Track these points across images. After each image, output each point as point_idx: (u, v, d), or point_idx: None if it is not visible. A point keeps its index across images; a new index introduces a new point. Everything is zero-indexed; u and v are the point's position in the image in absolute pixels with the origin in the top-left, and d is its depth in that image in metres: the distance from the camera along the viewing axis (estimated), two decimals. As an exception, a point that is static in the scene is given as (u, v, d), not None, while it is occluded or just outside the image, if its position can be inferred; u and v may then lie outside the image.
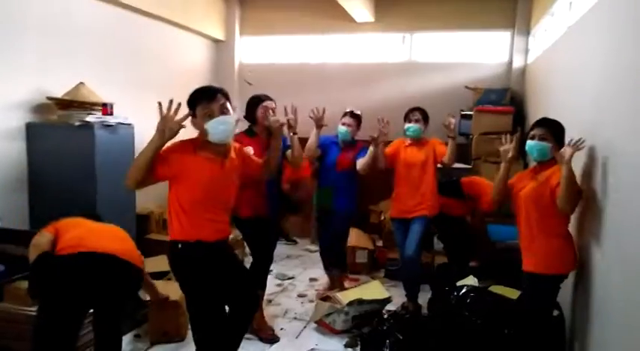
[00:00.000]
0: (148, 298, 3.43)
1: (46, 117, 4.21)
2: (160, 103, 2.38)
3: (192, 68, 6.69)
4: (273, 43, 7.37)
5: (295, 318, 4.12)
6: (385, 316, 3.48)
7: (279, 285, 4.86)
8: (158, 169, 2.44)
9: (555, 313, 2.95)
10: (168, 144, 2.47)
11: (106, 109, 4.21)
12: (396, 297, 4.23)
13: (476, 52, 6.59)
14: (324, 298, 4.00)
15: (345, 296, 3.89)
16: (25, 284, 3.30)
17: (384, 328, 3.09)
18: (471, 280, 3.54)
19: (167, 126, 2.36)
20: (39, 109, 4.18)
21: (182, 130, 2.44)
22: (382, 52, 6.93)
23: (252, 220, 3.58)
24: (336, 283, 4.41)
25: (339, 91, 6.88)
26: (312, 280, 5.01)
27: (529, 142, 2.82)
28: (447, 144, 3.93)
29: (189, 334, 3.50)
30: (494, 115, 5.63)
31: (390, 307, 4.05)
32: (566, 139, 2.69)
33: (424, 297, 4.17)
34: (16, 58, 3.98)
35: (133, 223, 4.55)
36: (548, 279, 2.71)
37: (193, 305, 2.64)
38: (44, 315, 2.63)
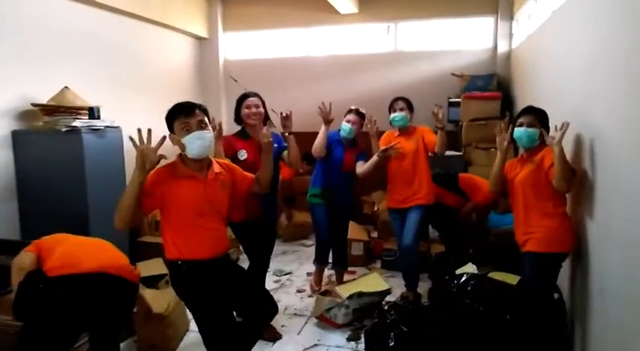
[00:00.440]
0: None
1: (31, 124, 4.15)
2: (131, 138, 2.31)
3: (176, 67, 6.62)
4: (257, 38, 7.33)
5: (295, 314, 4.11)
6: (385, 308, 3.48)
7: (277, 281, 4.84)
8: (145, 204, 2.39)
9: (555, 296, 2.97)
10: (154, 172, 2.43)
11: (93, 113, 4.16)
12: (395, 287, 4.23)
13: (460, 39, 6.61)
14: (324, 293, 3.99)
15: (345, 290, 3.88)
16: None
17: (388, 320, 3.08)
18: (470, 268, 3.55)
19: (147, 160, 2.29)
20: (24, 116, 4.12)
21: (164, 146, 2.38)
22: (367, 43, 6.93)
23: (245, 224, 3.49)
24: (322, 278, 4.46)
25: (326, 83, 6.88)
26: (309, 274, 4.98)
27: (518, 130, 2.90)
28: (436, 132, 3.92)
29: (182, 346, 3.52)
30: (482, 101, 5.66)
31: (389, 297, 4.06)
32: (554, 123, 2.75)
33: (423, 286, 4.19)
34: (-3, 64, 3.91)
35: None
36: (551, 257, 2.76)
37: (201, 321, 2.60)
38: (32, 337, 2.54)
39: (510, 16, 6.23)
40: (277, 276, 4.99)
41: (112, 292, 2.64)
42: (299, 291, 4.61)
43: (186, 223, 2.49)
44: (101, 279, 2.58)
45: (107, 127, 4.23)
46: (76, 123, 3.98)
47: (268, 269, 3.79)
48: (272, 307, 2.90)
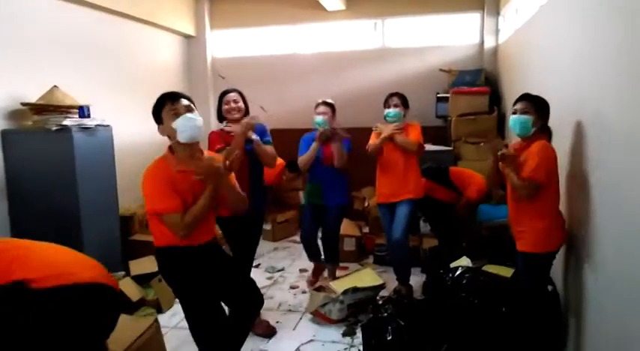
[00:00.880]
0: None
1: (21, 123, 4.10)
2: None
3: (165, 65, 6.58)
4: (244, 35, 7.30)
5: (290, 310, 4.12)
6: (380, 302, 3.51)
7: (269, 278, 4.85)
8: (180, 202, 2.43)
9: (549, 288, 3.01)
10: (153, 174, 2.45)
11: (83, 111, 4.12)
12: (388, 282, 4.26)
13: (447, 35, 6.65)
14: (318, 289, 4.01)
15: (339, 285, 3.90)
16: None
17: (384, 314, 3.10)
18: (465, 261, 3.59)
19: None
20: (13, 115, 4.07)
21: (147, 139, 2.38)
22: (355, 40, 6.94)
23: (232, 219, 3.40)
24: (322, 272, 4.47)
25: (314, 80, 6.89)
26: (302, 270, 5.01)
27: (512, 118, 2.80)
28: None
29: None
30: (470, 96, 5.70)
31: (382, 292, 4.09)
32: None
33: (415, 280, 4.23)
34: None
35: (116, 225, 4.49)
36: (541, 257, 2.74)
37: (188, 309, 2.62)
38: None
39: (497, 12, 6.29)
40: (270, 273, 4.99)
41: (110, 303, 2.36)
42: (292, 287, 4.63)
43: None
44: (99, 290, 2.25)
45: (97, 125, 4.19)
46: (66, 122, 3.94)
47: (260, 265, 3.79)
48: (258, 298, 2.87)
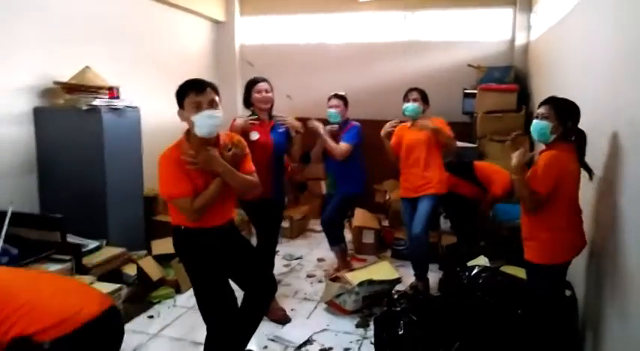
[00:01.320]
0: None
1: (53, 101, 4.20)
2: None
3: (193, 50, 6.63)
4: (273, 23, 7.29)
5: (305, 298, 4.18)
6: (395, 297, 3.53)
7: (286, 265, 4.91)
8: (191, 187, 2.47)
9: (568, 293, 2.98)
10: (167, 159, 2.49)
11: (113, 92, 4.20)
12: (405, 277, 4.27)
13: (478, 30, 6.53)
14: (334, 279, 4.03)
15: (355, 277, 3.93)
16: (37, 267, 3.34)
17: (398, 308, 3.12)
18: (483, 260, 3.58)
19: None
20: (46, 93, 4.17)
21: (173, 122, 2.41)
22: (383, 32, 6.87)
23: (257, 203, 3.54)
24: (342, 262, 4.48)
25: (341, 70, 6.86)
26: (319, 260, 5.06)
27: (533, 122, 2.66)
28: (450, 125, 3.93)
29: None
30: (498, 93, 5.62)
31: (398, 287, 4.11)
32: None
33: (433, 277, 4.23)
34: (21, 43, 3.95)
35: (140, 205, 4.59)
36: (543, 268, 2.65)
37: (197, 288, 2.67)
38: None
39: (529, 8, 6.16)
40: (287, 260, 5.05)
41: (118, 325, 2.27)
42: (309, 276, 4.68)
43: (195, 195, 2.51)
44: (108, 318, 2.12)
45: (126, 106, 4.27)
46: (96, 102, 4.02)
47: (278, 252, 3.87)
48: (271, 284, 2.90)
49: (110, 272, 3.78)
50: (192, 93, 2.44)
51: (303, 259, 5.12)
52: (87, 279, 3.45)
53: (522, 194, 2.57)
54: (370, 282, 3.84)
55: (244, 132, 3.42)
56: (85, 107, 3.97)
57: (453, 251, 4.43)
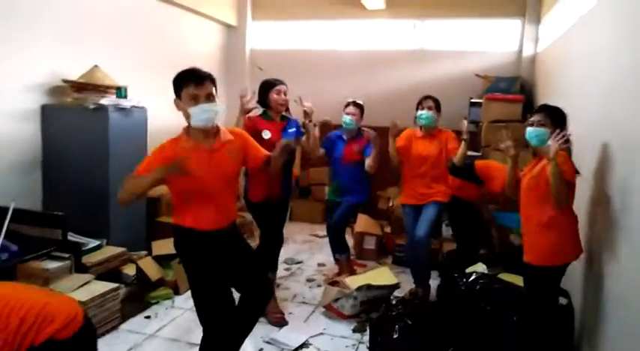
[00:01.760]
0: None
1: (60, 99, 4.25)
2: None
3: (204, 53, 6.71)
4: (283, 28, 7.36)
5: (304, 302, 4.18)
6: (393, 302, 3.53)
7: (287, 269, 4.91)
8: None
9: (564, 301, 2.97)
10: (158, 146, 2.51)
11: (120, 92, 4.25)
12: (404, 283, 4.26)
13: (486, 40, 6.57)
14: (333, 283, 4.05)
15: (354, 281, 3.92)
16: (36, 264, 3.36)
17: (393, 313, 3.12)
18: (480, 267, 3.58)
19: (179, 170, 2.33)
20: (54, 91, 4.22)
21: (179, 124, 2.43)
22: (392, 40, 6.92)
23: (263, 204, 3.64)
24: (344, 270, 4.47)
25: (349, 77, 6.91)
26: (320, 265, 5.06)
27: (528, 129, 2.76)
28: (459, 139, 3.93)
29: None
30: (504, 103, 5.63)
31: (397, 293, 4.10)
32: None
33: (433, 284, 4.20)
34: (31, 41, 4.01)
35: (143, 206, 4.61)
36: (544, 270, 2.69)
37: (196, 290, 2.66)
38: None
39: (537, 19, 6.17)
40: (288, 264, 5.05)
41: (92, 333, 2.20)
42: (309, 280, 4.68)
43: (191, 195, 2.50)
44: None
45: (133, 107, 4.32)
46: (104, 101, 4.07)
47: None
48: (266, 290, 2.88)
49: (109, 271, 3.81)
50: (191, 85, 2.43)
51: (303, 264, 5.13)
52: (86, 277, 3.49)
53: (557, 184, 2.51)
54: (369, 287, 3.83)
55: (257, 130, 3.48)
56: (92, 106, 4.03)
57: (452, 258, 4.42)
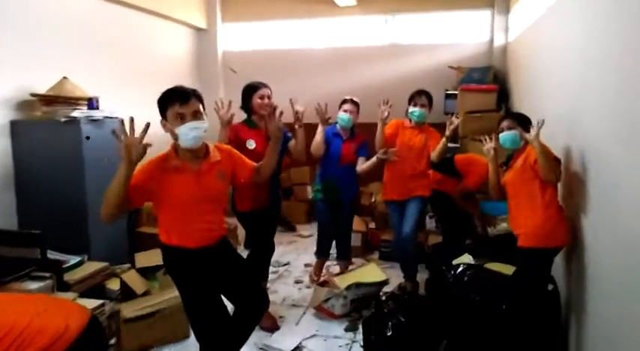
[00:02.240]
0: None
1: (30, 114, 4.13)
2: (113, 131, 2.20)
3: (175, 58, 6.62)
4: (255, 29, 7.32)
5: (294, 305, 4.14)
6: (383, 298, 3.52)
7: (274, 272, 4.86)
8: (134, 199, 2.30)
9: (550, 287, 3.00)
10: (149, 161, 2.40)
11: (92, 103, 4.15)
12: (393, 278, 4.27)
13: (457, 32, 6.63)
14: (322, 283, 4.03)
15: (343, 280, 3.91)
16: (17, 285, 3.25)
17: (385, 310, 3.11)
18: (467, 258, 3.60)
19: (133, 151, 2.16)
20: (22, 106, 4.10)
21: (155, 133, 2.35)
22: (365, 36, 6.92)
23: (251, 214, 3.58)
24: (320, 271, 4.49)
25: (323, 75, 6.90)
26: (307, 265, 5.03)
27: (501, 136, 3.03)
28: (432, 126, 3.95)
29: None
30: (478, 93, 5.68)
31: (386, 288, 4.10)
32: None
33: (420, 277, 4.22)
34: (-5, 55, 3.89)
35: (124, 217, 4.51)
36: (538, 252, 2.79)
37: (189, 305, 2.61)
38: None
39: (507, 10, 6.24)
40: (275, 267, 5.01)
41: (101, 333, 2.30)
42: (297, 282, 4.65)
43: (178, 215, 2.45)
44: (92, 330, 2.14)
45: (106, 117, 4.22)
46: (75, 113, 3.97)
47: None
48: (263, 301, 2.83)
49: (93, 288, 3.69)
50: (176, 104, 2.34)
51: (290, 265, 5.09)
52: (69, 296, 3.39)
53: (545, 162, 2.67)
54: (358, 285, 3.82)
55: (241, 141, 3.40)
56: (63, 119, 3.92)
57: (438, 250, 4.43)
